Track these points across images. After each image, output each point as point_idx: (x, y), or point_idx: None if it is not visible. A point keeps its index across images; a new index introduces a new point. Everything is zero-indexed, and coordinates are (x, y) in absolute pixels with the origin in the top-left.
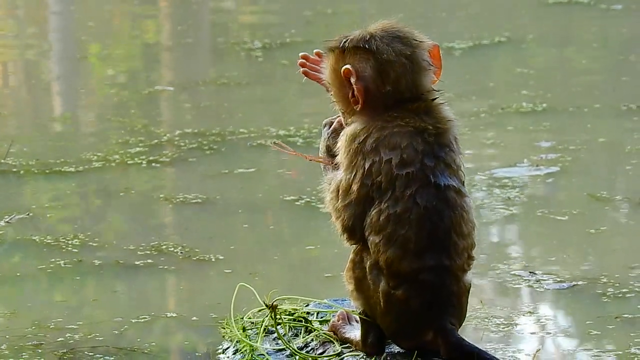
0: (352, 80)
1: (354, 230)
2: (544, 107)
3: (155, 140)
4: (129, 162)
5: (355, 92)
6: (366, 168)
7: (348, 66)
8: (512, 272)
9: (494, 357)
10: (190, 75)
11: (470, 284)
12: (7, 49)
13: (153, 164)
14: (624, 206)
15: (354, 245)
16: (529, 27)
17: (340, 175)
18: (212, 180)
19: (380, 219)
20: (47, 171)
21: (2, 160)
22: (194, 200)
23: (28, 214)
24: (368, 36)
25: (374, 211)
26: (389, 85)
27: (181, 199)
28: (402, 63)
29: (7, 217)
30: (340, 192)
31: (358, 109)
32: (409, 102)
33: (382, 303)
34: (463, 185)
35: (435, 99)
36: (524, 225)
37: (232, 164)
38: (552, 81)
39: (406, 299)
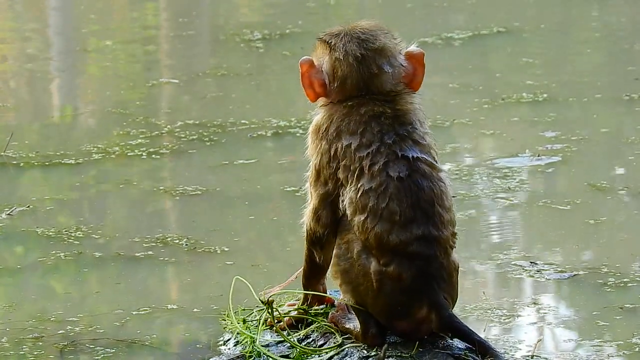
0: (310, 72)
1: (321, 214)
2: (544, 97)
3: (156, 132)
4: (129, 153)
5: (312, 83)
6: (332, 153)
7: (303, 59)
8: (513, 262)
9: (482, 339)
10: (191, 67)
11: (459, 265)
12: (7, 42)
13: (153, 156)
14: (625, 196)
15: (322, 236)
16: (528, 16)
17: (310, 164)
18: (212, 172)
19: (360, 197)
20: (47, 163)
21: (2, 153)
22: (193, 192)
23: (28, 206)
24: (336, 32)
25: (352, 190)
26: (336, 82)
27: (181, 191)
28: (349, 63)
29: (7, 209)
30: (312, 178)
31: (310, 100)
32: (366, 95)
33: (374, 284)
34: (437, 162)
35: (396, 95)
36: (525, 215)
37: (233, 155)
38: (553, 71)
39: (398, 274)
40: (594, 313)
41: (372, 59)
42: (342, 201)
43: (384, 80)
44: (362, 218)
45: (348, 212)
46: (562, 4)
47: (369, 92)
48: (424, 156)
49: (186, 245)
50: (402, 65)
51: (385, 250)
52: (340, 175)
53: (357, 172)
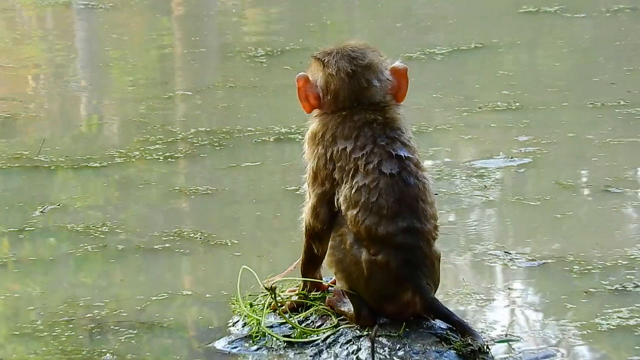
0: (306, 86)
1: (319, 211)
2: (517, 105)
3: (172, 138)
4: (147, 157)
5: (307, 96)
6: (328, 157)
7: (299, 75)
8: (489, 252)
9: (461, 320)
10: (202, 80)
11: (440, 254)
12: (40, 60)
13: (169, 159)
14: (589, 193)
15: (320, 231)
16: (502, 34)
17: (307, 167)
18: (222, 173)
19: (353, 193)
20: (75, 166)
21: (35, 157)
22: (205, 192)
23: (59, 205)
24: (329, 51)
25: (346, 188)
26: (329, 95)
27: (194, 190)
28: (341, 78)
29: (40, 207)
30: (310, 179)
31: (306, 111)
32: (357, 105)
33: (365, 272)
34: (420, 163)
35: (385, 106)
36: (499, 210)
37: (240, 158)
38: (525, 82)
39: (387, 262)
40: (561, 297)
41: (361, 74)
42: (337, 199)
43: (373, 92)
44: (355, 212)
45: (342, 207)
46: (531, 22)
47: (360, 103)
48: (412, 156)
49: (200, 238)
50: (388, 80)
51: (374, 241)
52: (336, 175)
53: (352, 172)
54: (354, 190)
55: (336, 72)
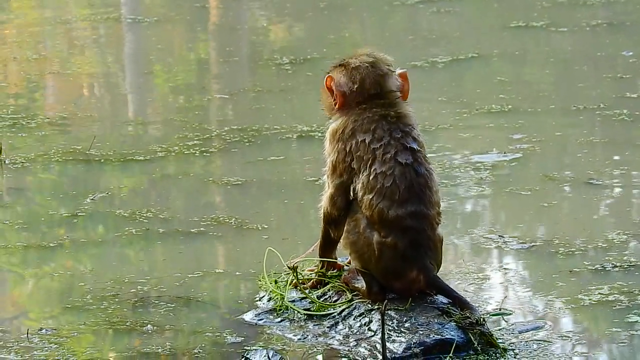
0: (333, 85)
1: (337, 200)
2: (510, 108)
3: (207, 135)
4: (186, 152)
5: (335, 95)
6: (347, 150)
7: (327, 75)
8: (485, 236)
9: (460, 295)
10: (235, 85)
11: (443, 237)
12: (92, 68)
13: (205, 154)
14: (572, 185)
15: (337, 217)
16: (496, 45)
17: (328, 161)
18: (250, 166)
19: (370, 179)
20: (122, 160)
21: (88, 152)
22: (235, 182)
23: (108, 193)
24: (347, 57)
25: (364, 175)
26: (357, 84)
27: (226, 181)
28: (365, 67)
29: (91, 195)
30: (329, 171)
31: (336, 109)
32: (376, 99)
33: (376, 252)
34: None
35: (398, 97)
36: (494, 199)
37: (266, 153)
38: (517, 87)
39: (395, 244)
40: (548, 275)
41: (379, 64)
42: (354, 187)
43: (391, 81)
44: (370, 196)
45: (359, 193)
46: (521, 36)
47: (382, 90)
48: (421, 149)
49: (233, 223)
50: (397, 80)
51: (385, 224)
52: (355, 165)
53: (370, 161)
54: (371, 177)
55: (359, 65)
